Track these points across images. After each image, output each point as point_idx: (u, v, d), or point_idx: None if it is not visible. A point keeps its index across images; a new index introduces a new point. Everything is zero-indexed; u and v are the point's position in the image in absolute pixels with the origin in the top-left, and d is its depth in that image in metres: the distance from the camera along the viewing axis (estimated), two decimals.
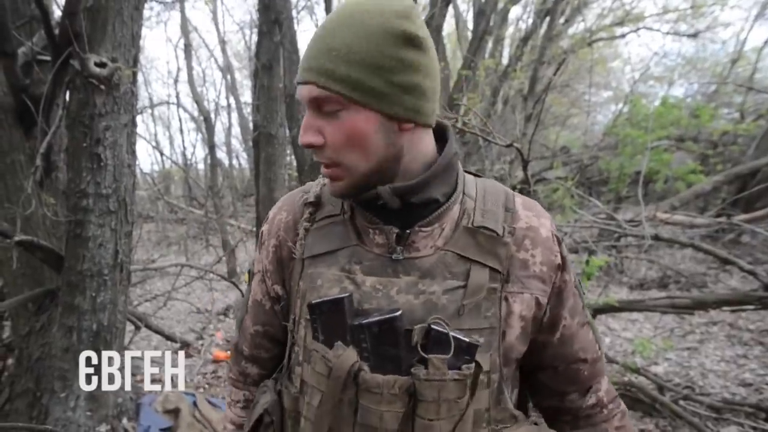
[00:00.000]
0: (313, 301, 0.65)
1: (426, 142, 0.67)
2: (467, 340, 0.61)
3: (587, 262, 2.15)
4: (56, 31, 2.18)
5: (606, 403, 0.76)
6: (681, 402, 2.64)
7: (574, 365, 0.74)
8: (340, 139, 0.61)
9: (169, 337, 3.79)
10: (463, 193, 0.69)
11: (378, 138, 0.61)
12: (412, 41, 0.59)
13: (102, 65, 2.11)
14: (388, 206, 0.64)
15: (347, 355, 0.62)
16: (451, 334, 0.60)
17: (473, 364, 0.61)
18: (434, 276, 0.64)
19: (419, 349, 0.60)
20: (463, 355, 0.60)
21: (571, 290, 0.72)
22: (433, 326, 0.60)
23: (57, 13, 2.55)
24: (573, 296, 0.72)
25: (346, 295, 0.64)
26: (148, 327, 3.66)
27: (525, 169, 2.13)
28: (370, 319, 0.61)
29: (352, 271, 0.66)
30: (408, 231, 0.65)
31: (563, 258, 0.70)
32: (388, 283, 0.65)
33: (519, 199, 0.71)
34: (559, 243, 0.70)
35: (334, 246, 0.68)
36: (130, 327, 3.17)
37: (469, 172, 0.75)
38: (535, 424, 0.72)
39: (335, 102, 0.59)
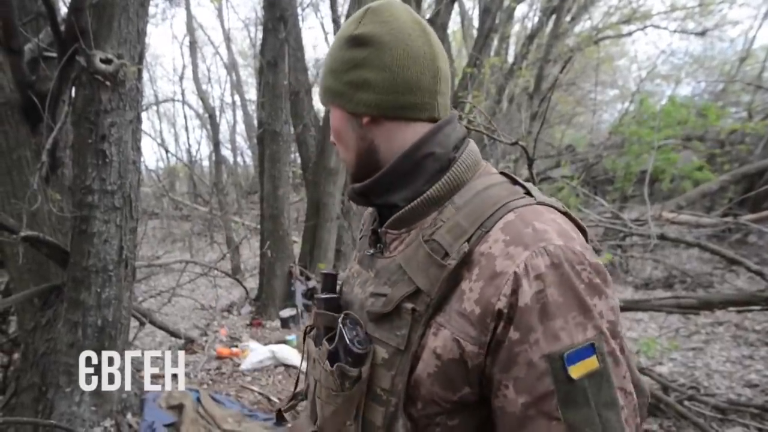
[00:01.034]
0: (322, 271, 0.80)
1: (401, 136, 0.65)
2: (349, 343, 0.61)
3: None
4: (62, 28, 2.19)
5: None
6: (686, 402, 2.62)
7: None
8: (334, 136, 0.72)
9: (173, 334, 3.81)
10: (450, 201, 0.62)
11: (349, 133, 0.68)
12: (355, 40, 0.65)
13: (108, 62, 2.12)
14: (354, 203, 0.74)
15: (312, 319, 0.74)
16: (341, 328, 0.63)
17: (356, 369, 0.61)
18: (380, 278, 0.66)
19: (329, 337, 0.67)
20: (347, 356, 0.62)
21: (525, 357, 0.52)
22: (341, 318, 0.65)
23: (63, 9, 2.56)
24: (528, 367, 0.52)
25: (330, 272, 0.75)
26: (153, 323, 3.67)
27: (530, 167, 2.12)
28: (319, 295, 0.73)
29: (356, 257, 0.78)
30: (379, 231, 0.69)
31: (515, 307, 0.52)
32: (360, 273, 0.72)
33: (510, 217, 0.57)
34: (517, 285, 0.52)
35: (364, 233, 0.79)
36: (134, 323, 3.18)
37: (509, 176, 0.66)
38: None
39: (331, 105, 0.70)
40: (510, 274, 0.53)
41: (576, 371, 0.51)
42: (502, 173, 0.67)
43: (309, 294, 4.55)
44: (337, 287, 0.76)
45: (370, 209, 0.82)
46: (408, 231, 0.64)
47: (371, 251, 0.71)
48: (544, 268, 0.52)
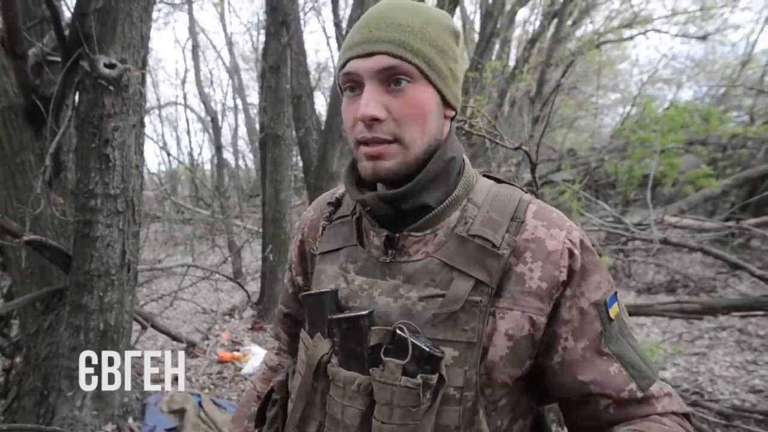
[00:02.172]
0: (303, 294, 0.71)
1: (445, 131, 0.67)
2: (428, 349, 0.58)
3: None
4: (66, 32, 2.20)
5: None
6: (689, 408, 2.61)
7: (592, 399, 0.64)
8: (406, 112, 0.61)
9: (175, 337, 3.81)
10: (468, 200, 0.67)
11: (434, 118, 0.64)
12: (458, 37, 0.66)
13: (111, 66, 2.13)
14: (372, 212, 0.65)
15: (320, 346, 0.66)
16: (411, 340, 0.58)
17: (436, 376, 0.59)
18: (416, 282, 0.64)
19: (383, 351, 0.61)
20: (423, 365, 0.59)
21: (578, 308, 0.63)
22: (397, 330, 0.60)
23: (67, 14, 2.57)
24: (581, 315, 0.63)
25: (328, 291, 0.68)
26: (155, 327, 3.67)
27: (533, 171, 2.12)
28: (340, 315, 0.65)
29: (347, 269, 0.69)
30: (398, 235, 0.66)
31: (572, 272, 0.63)
32: (374, 284, 0.66)
33: (534, 207, 0.66)
34: (571, 256, 0.63)
35: (338, 245, 0.72)
36: (136, 327, 3.18)
37: (491, 177, 0.72)
38: None
39: (407, 74, 0.60)
40: (562, 249, 0.63)
41: (612, 313, 0.64)
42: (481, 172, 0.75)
43: None
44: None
45: (310, 217, 0.81)
46: (434, 232, 0.65)
47: (386, 258, 0.66)
48: (578, 240, 0.64)
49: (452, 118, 0.68)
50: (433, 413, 0.60)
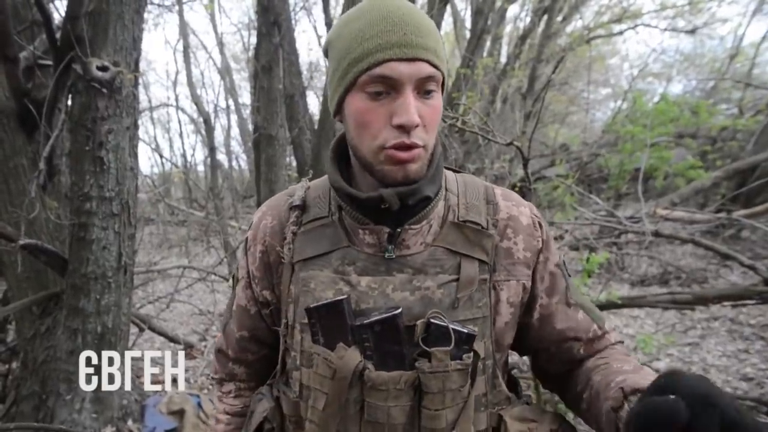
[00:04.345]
0: (311, 305, 0.65)
1: None
2: (465, 330, 0.63)
3: (588, 259, 2.16)
4: (58, 36, 2.19)
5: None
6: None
7: (566, 344, 0.75)
8: (433, 119, 0.63)
9: (172, 339, 3.80)
10: (446, 189, 0.72)
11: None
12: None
13: (104, 69, 2.12)
14: (389, 208, 0.64)
15: (350, 356, 0.63)
16: (451, 326, 0.62)
17: (472, 353, 0.64)
18: (427, 272, 0.66)
19: (421, 343, 0.62)
20: (462, 345, 0.63)
21: (548, 270, 0.74)
22: (432, 320, 0.62)
23: (58, 17, 2.56)
24: (550, 276, 0.74)
25: (344, 297, 0.65)
26: (152, 329, 3.67)
27: (525, 167, 2.14)
28: (372, 319, 0.62)
29: (345, 272, 0.67)
30: (399, 230, 0.67)
31: (544, 241, 0.73)
32: (383, 281, 0.66)
33: (498, 191, 0.75)
34: (540, 227, 0.73)
35: (325, 248, 0.69)
36: (133, 329, 3.17)
37: (449, 168, 0.77)
38: (527, 403, 0.75)
39: (437, 83, 0.62)
40: (533, 222, 0.73)
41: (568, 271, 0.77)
42: None
43: None
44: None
45: (269, 225, 0.75)
46: (428, 222, 0.69)
47: (391, 255, 0.67)
48: (539, 214, 0.76)
49: None
50: (473, 387, 0.65)
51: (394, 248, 0.67)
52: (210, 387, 3.24)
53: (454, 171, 0.78)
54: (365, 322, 0.63)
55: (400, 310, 0.63)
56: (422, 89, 0.61)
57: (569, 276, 0.76)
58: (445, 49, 0.65)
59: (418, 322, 0.63)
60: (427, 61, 0.60)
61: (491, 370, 0.69)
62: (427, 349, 0.62)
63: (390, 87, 0.60)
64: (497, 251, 0.70)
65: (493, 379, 0.69)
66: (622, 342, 0.79)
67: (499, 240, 0.70)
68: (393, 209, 0.64)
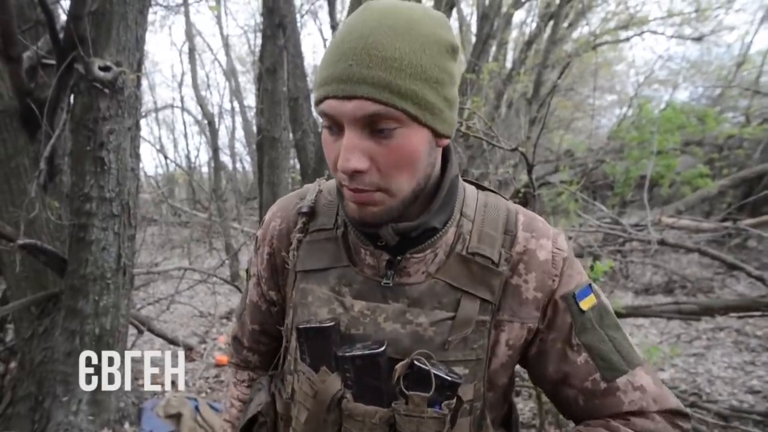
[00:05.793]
0: (300, 326, 0.65)
1: (439, 156, 0.63)
2: (449, 378, 0.59)
3: (592, 267, 2.13)
4: (61, 36, 2.19)
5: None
6: (688, 409, 2.60)
7: (560, 389, 0.67)
8: (392, 161, 0.54)
9: (171, 341, 3.79)
10: (461, 214, 0.65)
11: (425, 157, 0.57)
12: (455, 53, 0.56)
13: (106, 69, 2.12)
14: (390, 243, 0.61)
15: (331, 382, 0.62)
16: (433, 372, 0.57)
17: (454, 400, 0.59)
18: (423, 305, 0.62)
19: (401, 383, 0.59)
20: (445, 392, 0.59)
21: (557, 305, 0.64)
22: (415, 362, 0.59)
23: (62, 17, 2.56)
24: (554, 308, 0.64)
25: (332, 324, 0.63)
26: (151, 331, 3.65)
27: (530, 173, 2.12)
28: (354, 353, 0.61)
29: (341, 293, 0.65)
30: (399, 258, 0.63)
31: (561, 276, 0.64)
32: (377, 308, 0.63)
33: (522, 218, 0.66)
34: (563, 262, 0.64)
35: (325, 264, 0.67)
36: (132, 331, 3.16)
37: (473, 183, 0.71)
38: None
39: (394, 120, 0.52)
40: (552, 258, 0.64)
41: (584, 305, 0.64)
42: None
43: None
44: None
45: (278, 227, 0.73)
46: (434, 251, 0.63)
47: (389, 282, 0.64)
48: (564, 246, 0.66)
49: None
50: (454, 429, 0.61)
51: (394, 275, 0.64)
52: (208, 391, 3.22)
53: (480, 188, 0.70)
54: (347, 354, 0.61)
55: (383, 349, 0.60)
56: (375, 128, 0.53)
57: (582, 311, 0.64)
58: (436, 69, 0.53)
59: (399, 365, 0.59)
60: (370, 99, 0.50)
61: (479, 412, 0.64)
62: (405, 392, 0.58)
63: (334, 124, 0.54)
64: (505, 288, 0.63)
65: (480, 419, 0.64)
66: (659, 412, 0.64)
67: (510, 276, 0.63)
68: (390, 245, 0.61)
